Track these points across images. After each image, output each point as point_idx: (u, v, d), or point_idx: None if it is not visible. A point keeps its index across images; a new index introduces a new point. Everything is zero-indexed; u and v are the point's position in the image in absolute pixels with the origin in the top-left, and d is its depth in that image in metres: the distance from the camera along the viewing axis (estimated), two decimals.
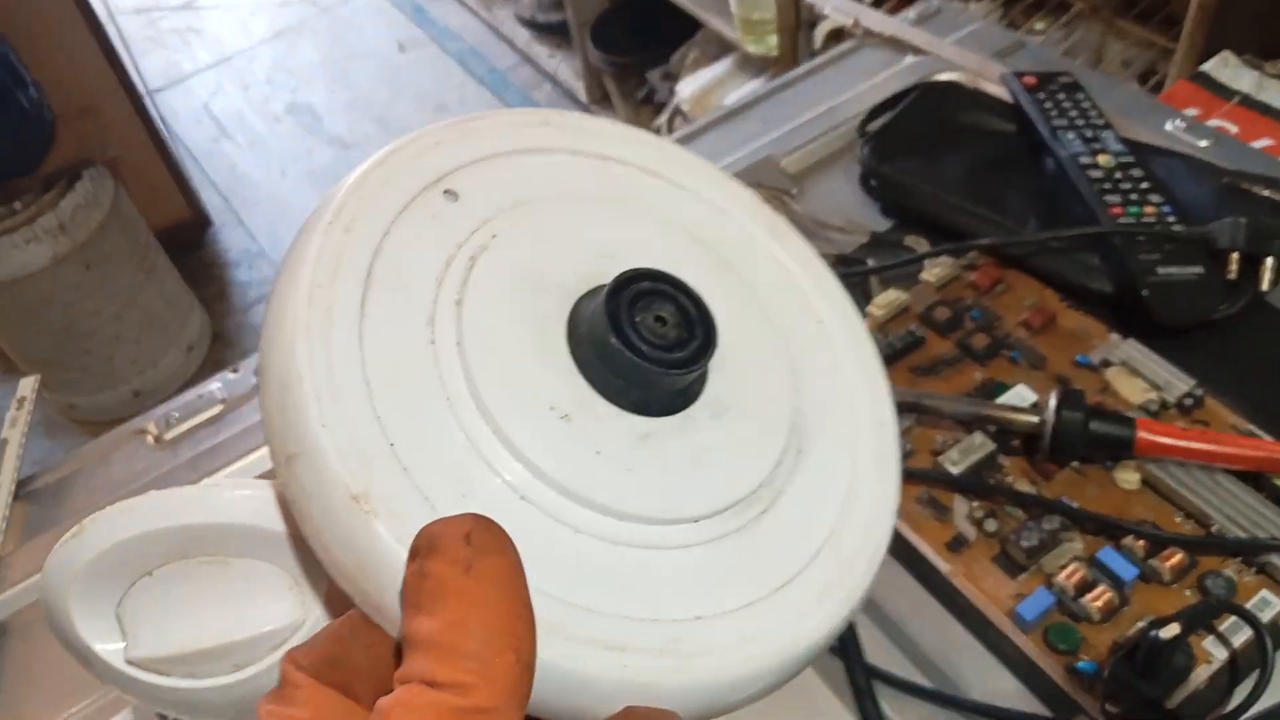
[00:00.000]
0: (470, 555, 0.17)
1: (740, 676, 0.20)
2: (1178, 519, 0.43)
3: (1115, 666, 0.39)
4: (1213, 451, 0.43)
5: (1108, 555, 0.42)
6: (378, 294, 0.21)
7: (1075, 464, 0.46)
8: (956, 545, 0.44)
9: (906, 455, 0.47)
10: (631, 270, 0.22)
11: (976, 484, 0.45)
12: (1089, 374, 0.49)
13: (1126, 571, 0.41)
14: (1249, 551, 0.41)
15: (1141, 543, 0.42)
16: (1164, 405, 0.47)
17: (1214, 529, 0.42)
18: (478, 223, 0.24)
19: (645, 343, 0.21)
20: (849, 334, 0.26)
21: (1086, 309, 0.52)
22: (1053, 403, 0.45)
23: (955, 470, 0.46)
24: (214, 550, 0.23)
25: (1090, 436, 0.44)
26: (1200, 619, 0.37)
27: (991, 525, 0.44)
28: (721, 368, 0.23)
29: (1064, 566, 0.42)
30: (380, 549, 0.18)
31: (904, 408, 0.48)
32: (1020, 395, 0.48)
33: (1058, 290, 0.53)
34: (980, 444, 0.47)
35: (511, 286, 0.23)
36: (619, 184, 0.26)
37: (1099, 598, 0.41)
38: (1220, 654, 0.39)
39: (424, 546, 0.17)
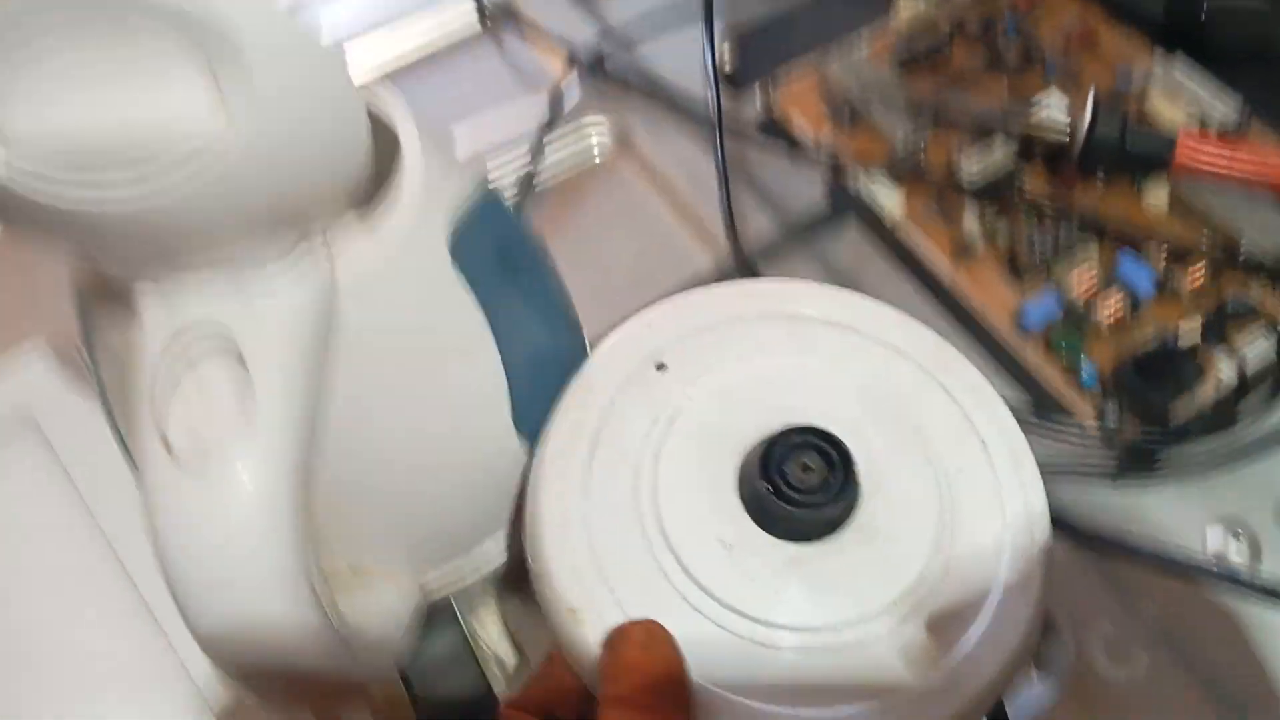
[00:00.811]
0: (646, 641, 0.25)
1: None
2: (1205, 234, 0.40)
3: (1121, 371, 0.36)
4: (1258, 167, 0.39)
5: (1126, 264, 0.39)
6: (603, 453, 0.28)
7: (1100, 178, 0.42)
8: (964, 253, 0.41)
9: (921, 162, 0.43)
10: (788, 426, 0.27)
11: (993, 189, 0.42)
12: (1128, 96, 0.45)
13: (1144, 282, 0.38)
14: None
15: (1165, 253, 0.39)
16: (1204, 124, 0.43)
17: (1243, 247, 0.39)
18: (680, 388, 0.29)
19: (788, 486, 0.26)
20: (1009, 450, 0.29)
21: (1131, 28, 0.47)
22: (1089, 104, 0.41)
23: (971, 175, 0.42)
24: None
25: (1127, 142, 0.40)
26: (1221, 326, 0.34)
27: (1004, 233, 0.41)
28: (873, 498, 0.28)
29: (1078, 273, 0.39)
30: (585, 646, 0.25)
31: (923, 111, 0.44)
32: (1052, 103, 0.43)
33: (1102, 6, 0.48)
34: (1001, 151, 0.43)
35: (698, 442, 0.28)
36: (804, 339, 0.31)
37: (1111, 307, 0.38)
38: (1230, 373, 0.37)
39: (617, 635, 0.25)
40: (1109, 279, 0.39)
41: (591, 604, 0.26)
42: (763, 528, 0.27)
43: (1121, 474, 0.36)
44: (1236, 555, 0.34)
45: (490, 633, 0.34)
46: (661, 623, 0.26)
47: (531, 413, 0.29)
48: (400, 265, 0.24)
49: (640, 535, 0.27)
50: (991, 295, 0.40)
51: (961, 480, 0.28)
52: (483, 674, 0.33)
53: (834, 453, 0.27)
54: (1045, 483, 0.35)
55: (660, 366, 0.29)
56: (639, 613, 0.26)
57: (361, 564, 0.29)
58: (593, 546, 0.27)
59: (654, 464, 0.28)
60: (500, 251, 0.27)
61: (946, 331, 0.39)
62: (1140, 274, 0.38)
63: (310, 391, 0.23)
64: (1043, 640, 0.33)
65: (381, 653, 0.27)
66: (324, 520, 0.26)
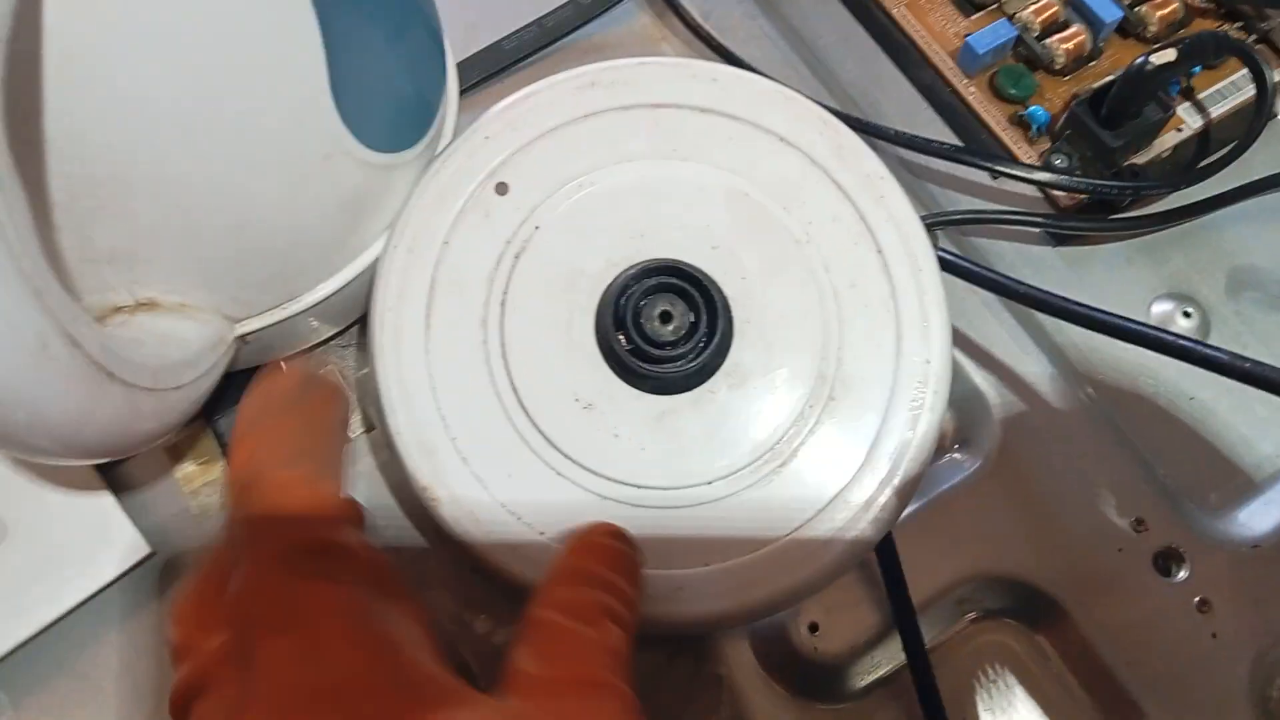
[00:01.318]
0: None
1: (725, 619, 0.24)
2: None
3: (1078, 106, 0.31)
4: None
5: None
6: (441, 303, 0.25)
7: None
8: None
9: None
10: (639, 265, 0.24)
11: None
12: None
13: (1108, 13, 0.33)
14: (1258, 2, 0.33)
15: None
16: None
17: None
18: (524, 214, 0.25)
19: (646, 340, 0.24)
20: (908, 254, 0.25)
21: None
22: None
23: None
24: None
25: None
26: (1198, 52, 0.29)
27: None
28: (746, 333, 0.25)
29: (1034, 3, 0.33)
30: (445, 527, 0.24)
31: None
32: None
33: None
34: None
35: (547, 281, 0.25)
36: (668, 135, 0.26)
37: (1069, 40, 0.32)
38: (1195, 122, 0.32)
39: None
40: (1069, 12, 0.33)
41: (445, 482, 0.24)
42: (625, 382, 0.24)
43: (1065, 233, 0.31)
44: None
45: None
46: (524, 490, 0.24)
47: (363, 96, 0.22)
48: None
49: (493, 397, 0.24)
50: (933, 23, 0.34)
51: (852, 297, 0.25)
52: None
53: (697, 294, 0.24)
54: (982, 238, 0.30)
55: (501, 188, 0.26)
56: (498, 487, 0.24)
57: (150, 296, 0.22)
58: (442, 414, 0.24)
59: (500, 313, 0.25)
60: None
61: (880, 66, 0.34)
62: (1104, 5, 0.33)
63: None
64: (967, 412, 0.30)
65: (173, 394, 0.21)
66: (82, 241, 0.19)
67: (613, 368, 0.25)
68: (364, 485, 0.28)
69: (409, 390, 0.24)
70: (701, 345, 0.24)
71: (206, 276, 0.22)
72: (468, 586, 0.27)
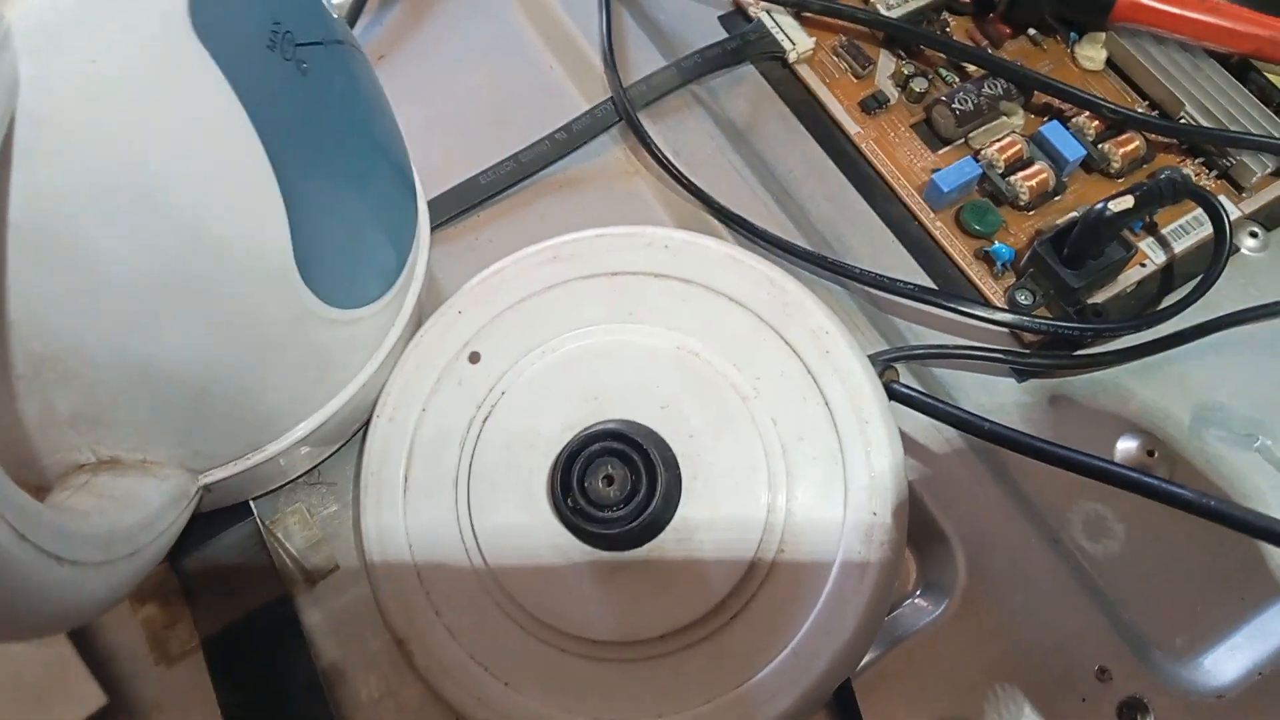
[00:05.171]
0: None
1: None
2: (1141, 108, 0.35)
3: (1040, 246, 0.31)
4: (1204, 23, 0.34)
5: (1053, 131, 0.34)
6: (418, 466, 0.27)
7: (1032, 32, 0.37)
8: (873, 105, 0.35)
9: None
10: (587, 430, 0.25)
11: (912, 32, 0.36)
12: None
13: (1072, 151, 0.33)
14: (1220, 141, 0.34)
15: (1096, 124, 0.34)
16: None
17: (1182, 120, 0.35)
18: (493, 380, 0.27)
19: (590, 503, 0.25)
20: (854, 408, 0.26)
21: None
22: None
23: (890, 12, 0.36)
24: None
25: None
26: (1155, 198, 0.30)
27: (920, 85, 0.35)
28: (694, 489, 0.26)
29: (998, 141, 0.34)
30: (419, 677, 0.25)
31: None
32: None
33: None
34: None
35: (509, 444, 0.26)
36: (625, 300, 0.28)
37: (1033, 177, 0.33)
38: (1158, 258, 0.33)
39: None
40: (1033, 147, 0.34)
41: (420, 635, 0.25)
42: (579, 539, 0.25)
43: (1029, 369, 0.32)
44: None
45: (293, 537, 0.28)
46: (490, 642, 0.25)
47: (329, 262, 0.22)
48: (105, 17, 0.17)
49: (462, 553, 0.26)
50: (901, 158, 0.35)
51: (800, 450, 0.26)
52: (279, 579, 0.28)
53: (637, 457, 0.25)
54: (946, 370, 0.31)
55: (474, 357, 0.27)
56: (467, 639, 0.25)
57: (113, 454, 0.23)
58: (418, 570, 0.26)
59: (469, 473, 0.26)
60: (281, 34, 0.21)
61: (849, 201, 0.34)
62: (1068, 143, 0.34)
63: None
64: (931, 555, 0.30)
65: (124, 564, 0.21)
66: (44, 408, 0.20)
67: (566, 526, 0.25)
68: (326, 629, 0.28)
69: (388, 549, 0.26)
70: (642, 505, 0.25)
71: (169, 435, 0.23)
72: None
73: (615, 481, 0.25)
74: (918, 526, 0.29)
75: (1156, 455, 0.31)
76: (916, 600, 0.29)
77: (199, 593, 0.27)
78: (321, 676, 0.27)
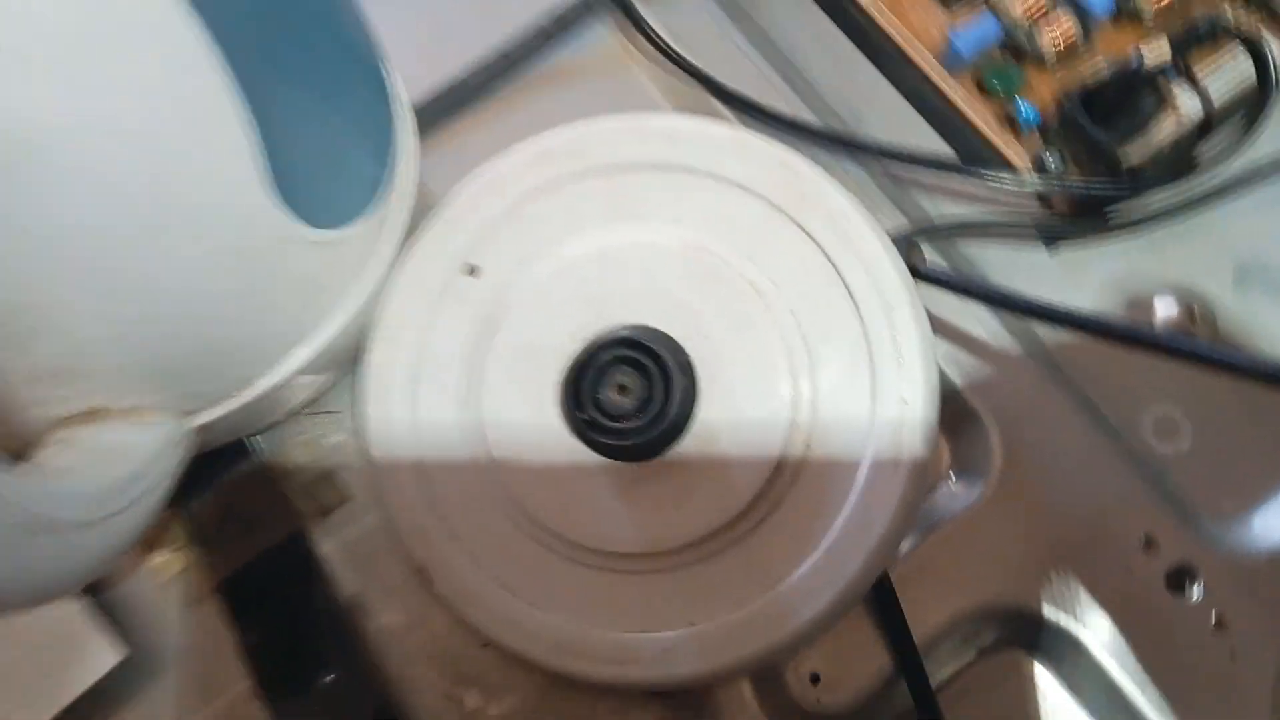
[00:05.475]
0: None
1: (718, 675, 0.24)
2: None
3: (1069, 104, 0.29)
4: None
5: None
6: (425, 391, 0.25)
7: None
8: None
9: None
10: (596, 339, 0.24)
11: None
12: None
13: (1100, 2, 0.31)
14: None
15: None
16: None
17: None
18: (495, 293, 0.26)
19: (604, 414, 0.24)
20: (879, 292, 0.24)
21: None
22: None
23: None
24: None
25: None
26: (1192, 41, 0.28)
27: None
28: (712, 392, 0.24)
29: None
30: (445, 606, 0.24)
31: None
32: None
33: None
34: None
35: (515, 361, 0.25)
36: (626, 197, 0.26)
37: (1058, 30, 0.31)
38: (1195, 109, 0.30)
39: None
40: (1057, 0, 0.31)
41: (441, 562, 0.24)
42: (596, 452, 0.24)
43: (1059, 235, 0.30)
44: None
45: (301, 470, 0.27)
46: (514, 564, 0.24)
47: (304, 176, 0.21)
48: None
49: (476, 476, 0.25)
50: (914, 20, 0.32)
51: (822, 342, 0.24)
52: (290, 514, 0.27)
53: (651, 363, 0.24)
54: (973, 245, 0.29)
55: (472, 270, 0.26)
56: (490, 563, 0.24)
57: (99, 403, 0.21)
58: (432, 498, 0.25)
59: (478, 393, 0.25)
60: None
61: (860, 71, 0.32)
62: None
63: None
64: (964, 438, 0.28)
65: (118, 519, 0.20)
66: (23, 361, 0.19)
67: (582, 439, 0.24)
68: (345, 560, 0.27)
69: (401, 480, 0.25)
70: (658, 412, 0.23)
71: (155, 379, 0.21)
72: (456, 661, 0.26)
73: (629, 390, 0.24)
74: (949, 409, 0.28)
75: (1198, 315, 0.29)
76: (951, 485, 0.28)
77: (209, 536, 0.26)
78: (345, 609, 0.27)
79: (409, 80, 0.27)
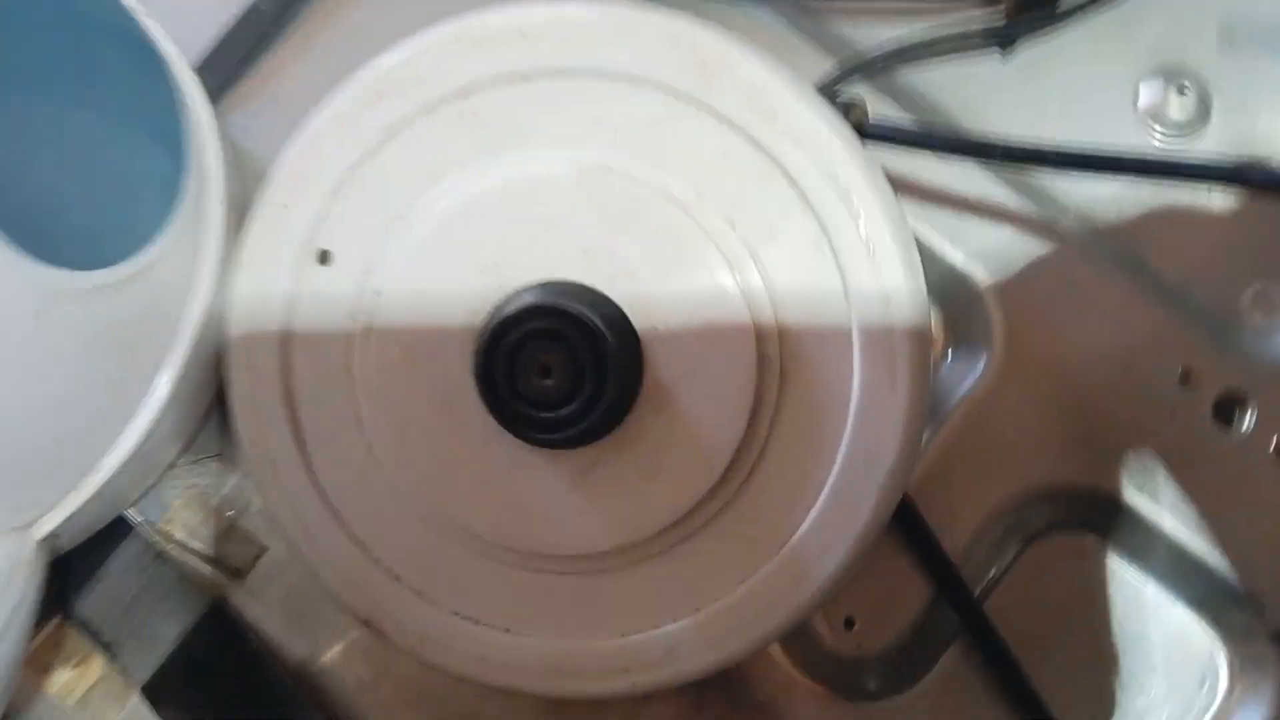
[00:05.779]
0: None
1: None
2: None
3: None
4: None
5: None
6: (307, 417, 0.21)
7: None
8: None
9: None
10: (495, 320, 0.19)
11: None
12: None
13: None
14: None
15: None
16: None
17: None
18: (358, 279, 0.20)
19: (533, 405, 0.19)
20: (832, 184, 0.19)
21: None
22: None
23: None
24: None
25: None
26: None
27: None
28: (655, 343, 0.19)
29: None
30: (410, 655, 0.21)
31: None
32: None
33: None
34: None
35: (408, 359, 0.20)
36: (490, 125, 0.20)
37: None
38: None
39: None
40: None
41: (386, 608, 0.20)
42: (536, 445, 0.20)
43: (1011, 35, 0.25)
44: (1179, 113, 0.25)
45: (195, 531, 0.23)
46: (476, 592, 0.21)
47: (57, 213, 0.15)
48: None
49: (402, 503, 0.20)
50: None
51: (774, 250, 0.20)
52: (204, 586, 0.23)
53: (573, 331, 0.19)
54: (917, 75, 0.24)
55: (324, 257, 0.20)
56: (448, 597, 0.20)
57: None
58: (357, 537, 0.20)
59: (375, 411, 0.20)
60: None
61: None
62: None
63: None
64: (954, 307, 0.24)
65: None
66: None
67: (515, 434, 0.19)
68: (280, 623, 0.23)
69: (312, 529, 0.20)
70: (598, 384, 0.19)
71: None
72: (442, 701, 0.22)
73: (553, 370, 0.19)
74: (932, 278, 0.24)
75: (1188, 90, 0.25)
76: (951, 361, 0.24)
77: (112, 637, 0.22)
78: (297, 676, 0.23)
79: (183, 32, 0.21)
